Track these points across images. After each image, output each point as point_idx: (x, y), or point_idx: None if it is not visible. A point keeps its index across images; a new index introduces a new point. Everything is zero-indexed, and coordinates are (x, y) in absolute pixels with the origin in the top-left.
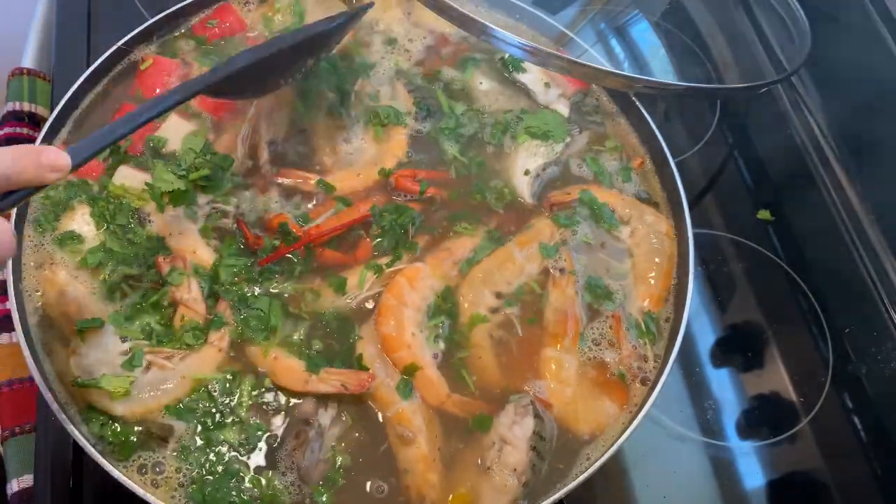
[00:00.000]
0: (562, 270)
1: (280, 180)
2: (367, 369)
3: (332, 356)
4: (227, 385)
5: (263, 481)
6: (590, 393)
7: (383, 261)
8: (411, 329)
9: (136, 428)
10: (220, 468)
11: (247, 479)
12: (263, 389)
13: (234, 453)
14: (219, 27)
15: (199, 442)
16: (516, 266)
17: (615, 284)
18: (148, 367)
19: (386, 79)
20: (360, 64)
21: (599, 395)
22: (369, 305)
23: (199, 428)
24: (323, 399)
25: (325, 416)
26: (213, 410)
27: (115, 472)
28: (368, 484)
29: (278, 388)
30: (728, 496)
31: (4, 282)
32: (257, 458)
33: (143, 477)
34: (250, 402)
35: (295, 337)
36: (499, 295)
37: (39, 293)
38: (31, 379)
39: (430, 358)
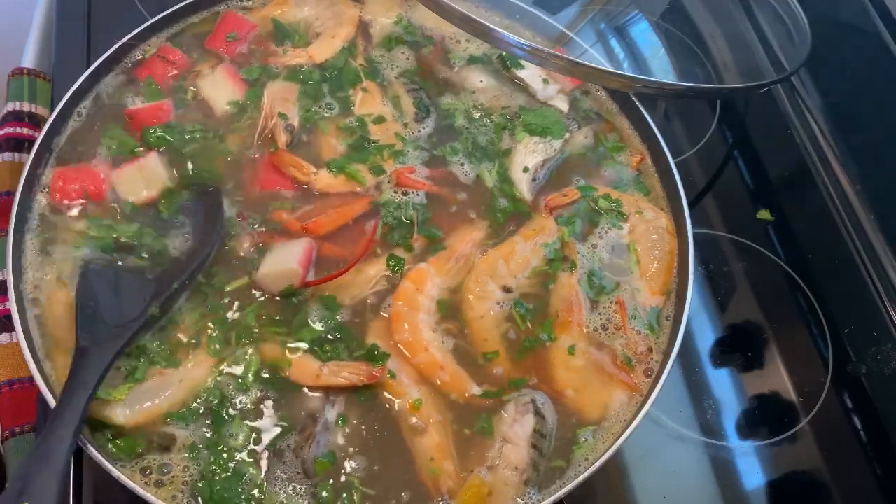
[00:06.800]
0: (565, 259)
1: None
2: (387, 356)
3: (343, 352)
4: (230, 385)
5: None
6: (598, 378)
7: (398, 251)
8: (426, 331)
9: (139, 440)
10: (228, 466)
11: (251, 476)
12: (268, 386)
13: (238, 453)
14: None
15: (203, 443)
16: (522, 259)
17: (616, 280)
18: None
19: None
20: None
21: (608, 379)
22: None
23: (202, 431)
24: (330, 394)
25: (332, 412)
26: (216, 412)
27: (116, 472)
28: (382, 477)
29: (288, 383)
30: (728, 496)
31: (4, 282)
32: (262, 456)
33: (144, 477)
34: (254, 400)
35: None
36: (505, 288)
37: (39, 300)
38: (31, 379)
39: (450, 354)
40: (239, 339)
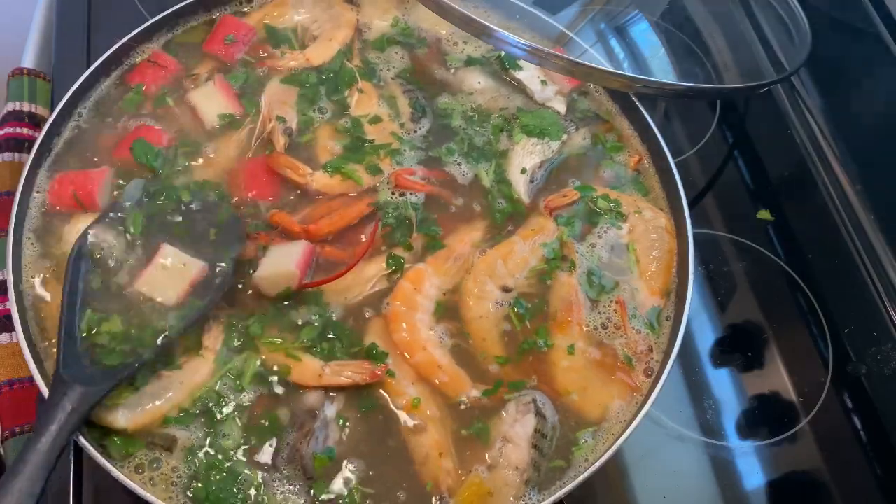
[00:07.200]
0: (564, 259)
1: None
2: (385, 355)
3: (340, 350)
4: (230, 384)
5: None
6: (598, 377)
7: (398, 251)
8: (424, 331)
9: (140, 441)
10: (224, 467)
11: (247, 477)
12: (268, 385)
13: (237, 452)
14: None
15: (203, 443)
16: (520, 259)
17: (616, 279)
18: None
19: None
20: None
21: (608, 379)
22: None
23: (202, 432)
24: (329, 392)
25: (331, 409)
26: (216, 411)
27: (115, 472)
28: (381, 475)
29: (290, 384)
30: (728, 496)
31: (4, 282)
32: (261, 454)
33: (141, 475)
34: (253, 400)
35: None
36: (504, 289)
37: (39, 300)
38: (31, 379)
39: (448, 354)
40: (242, 344)
